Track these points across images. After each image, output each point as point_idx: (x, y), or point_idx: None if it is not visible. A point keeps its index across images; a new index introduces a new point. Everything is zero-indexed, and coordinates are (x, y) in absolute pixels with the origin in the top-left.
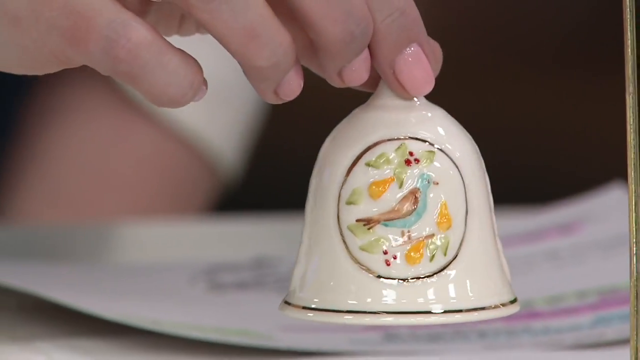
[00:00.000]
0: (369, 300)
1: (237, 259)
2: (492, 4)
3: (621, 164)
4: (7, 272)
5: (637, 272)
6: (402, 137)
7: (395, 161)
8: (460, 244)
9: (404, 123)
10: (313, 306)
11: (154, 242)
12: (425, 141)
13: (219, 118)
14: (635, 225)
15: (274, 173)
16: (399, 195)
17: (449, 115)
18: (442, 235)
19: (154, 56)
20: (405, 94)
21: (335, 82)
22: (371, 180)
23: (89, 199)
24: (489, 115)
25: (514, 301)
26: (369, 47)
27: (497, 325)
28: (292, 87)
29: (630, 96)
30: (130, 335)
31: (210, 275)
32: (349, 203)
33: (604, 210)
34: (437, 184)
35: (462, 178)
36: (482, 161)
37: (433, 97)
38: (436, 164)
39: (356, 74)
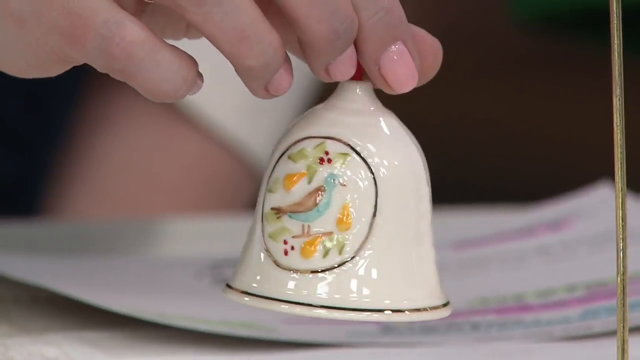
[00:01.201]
0: (267, 286)
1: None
2: (475, 8)
3: (608, 164)
4: (22, 267)
5: (624, 267)
6: (325, 137)
7: (311, 158)
8: (361, 246)
9: (338, 124)
10: (250, 291)
11: (160, 238)
12: (344, 143)
13: (260, 126)
14: (622, 222)
15: None
16: (306, 190)
17: (398, 124)
18: (340, 235)
19: (148, 54)
20: (389, 90)
21: (323, 78)
22: (287, 172)
23: (134, 200)
24: (481, 119)
25: (433, 307)
26: (355, 44)
27: (490, 318)
28: (282, 84)
29: (617, 98)
30: (138, 327)
31: (215, 270)
32: (269, 191)
33: (592, 207)
34: (345, 185)
35: (375, 184)
36: (421, 172)
37: (425, 99)
38: (347, 166)
39: (342, 70)
